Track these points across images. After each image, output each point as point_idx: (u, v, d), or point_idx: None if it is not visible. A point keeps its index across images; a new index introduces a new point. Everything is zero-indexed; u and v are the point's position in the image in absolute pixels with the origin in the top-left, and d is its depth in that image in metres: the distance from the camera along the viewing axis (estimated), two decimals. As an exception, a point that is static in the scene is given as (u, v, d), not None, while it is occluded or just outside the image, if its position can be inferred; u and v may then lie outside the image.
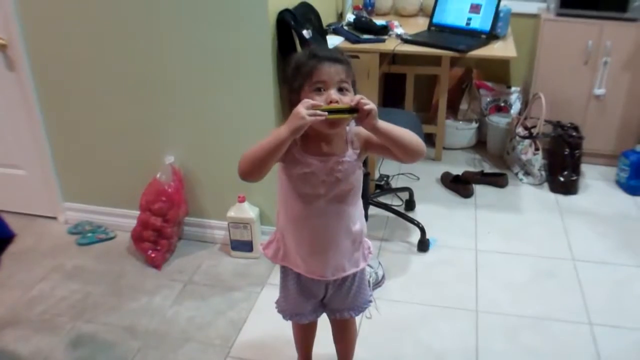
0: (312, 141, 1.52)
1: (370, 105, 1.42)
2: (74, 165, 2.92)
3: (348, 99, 1.45)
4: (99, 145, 2.82)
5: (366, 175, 2.66)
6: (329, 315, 1.88)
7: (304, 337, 2.00)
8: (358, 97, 1.43)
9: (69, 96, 2.75)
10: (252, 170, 1.45)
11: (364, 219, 1.71)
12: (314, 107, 1.39)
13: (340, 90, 1.47)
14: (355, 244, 1.68)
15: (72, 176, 2.96)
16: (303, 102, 1.41)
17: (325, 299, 1.78)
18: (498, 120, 3.75)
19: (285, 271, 1.76)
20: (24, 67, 2.72)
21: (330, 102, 1.43)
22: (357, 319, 1.96)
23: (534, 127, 3.44)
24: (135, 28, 2.50)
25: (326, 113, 1.39)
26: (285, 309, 1.83)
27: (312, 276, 1.68)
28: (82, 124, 2.79)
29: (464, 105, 3.85)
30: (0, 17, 2.64)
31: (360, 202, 1.67)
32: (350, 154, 1.56)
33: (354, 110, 1.42)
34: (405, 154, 1.52)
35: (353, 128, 1.56)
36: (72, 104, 2.76)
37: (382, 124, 1.46)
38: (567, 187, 3.34)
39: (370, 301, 1.89)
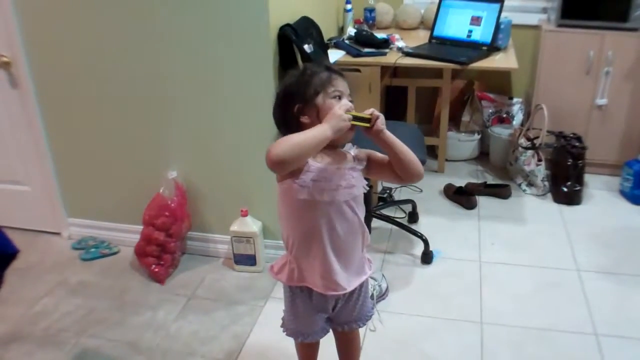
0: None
1: (379, 113, 1.52)
2: (78, 181, 2.93)
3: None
4: (102, 161, 2.84)
5: (369, 188, 2.67)
6: (335, 329, 1.87)
7: (309, 356, 1.98)
8: (372, 109, 1.52)
9: (72, 113, 2.77)
10: (291, 156, 1.40)
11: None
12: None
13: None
14: (363, 253, 1.71)
15: (76, 192, 2.97)
16: (341, 105, 1.48)
17: (333, 313, 1.76)
18: (500, 132, 3.75)
19: (292, 292, 1.72)
20: (27, 85, 2.74)
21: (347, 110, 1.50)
22: (361, 331, 1.95)
23: (537, 137, 3.44)
24: (138, 45, 2.52)
25: (351, 117, 1.47)
26: (295, 330, 1.80)
27: (331, 292, 1.65)
28: (85, 139, 2.81)
29: (466, 117, 3.86)
30: (4, 35, 2.67)
31: None
32: (356, 166, 1.61)
33: (369, 120, 1.51)
34: (406, 169, 1.58)
35: (356, 149, 1.62)
36: (75, 120, 2.78)
37: (388, 133, 1.54)
38: (571, 198, 3.33)
39: (373, 308, 1.88)
